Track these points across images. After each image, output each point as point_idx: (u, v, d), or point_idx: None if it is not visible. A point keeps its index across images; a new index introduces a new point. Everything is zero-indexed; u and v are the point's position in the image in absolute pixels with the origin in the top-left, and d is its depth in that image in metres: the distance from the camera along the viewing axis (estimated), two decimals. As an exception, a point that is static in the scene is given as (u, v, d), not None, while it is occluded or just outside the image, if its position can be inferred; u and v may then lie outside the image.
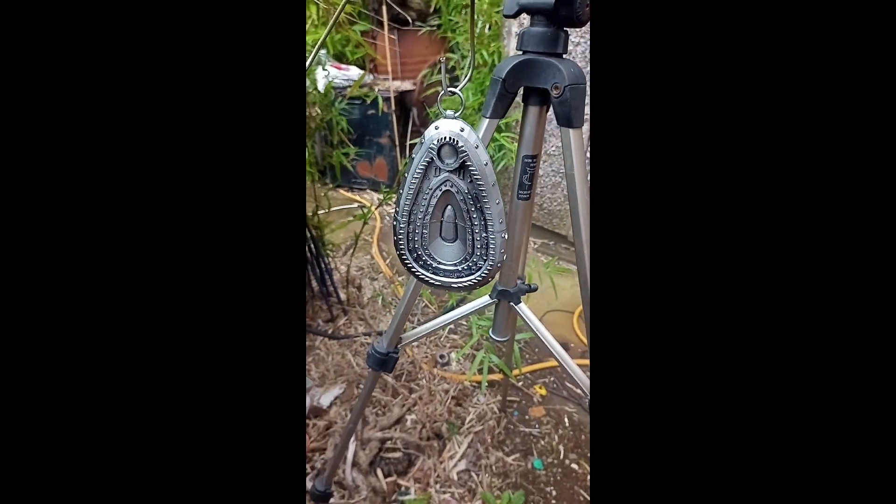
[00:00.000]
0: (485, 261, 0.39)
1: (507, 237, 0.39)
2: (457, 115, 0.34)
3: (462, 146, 0.35)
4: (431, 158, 0.36)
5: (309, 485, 0.85)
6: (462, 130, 0.34)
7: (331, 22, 0.46)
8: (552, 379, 1.23)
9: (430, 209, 0.39)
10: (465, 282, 0.41)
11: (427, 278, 0.41)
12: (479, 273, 0.40)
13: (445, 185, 0.37)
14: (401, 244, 0.40)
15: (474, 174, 0.36)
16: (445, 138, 0.34)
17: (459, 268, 0.40)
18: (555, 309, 1.45)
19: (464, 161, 0.35)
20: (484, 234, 0.38)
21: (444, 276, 0.41)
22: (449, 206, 0.39)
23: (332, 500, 0.87)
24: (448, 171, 0.36)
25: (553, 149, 1.65)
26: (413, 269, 0.41)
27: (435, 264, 0.41)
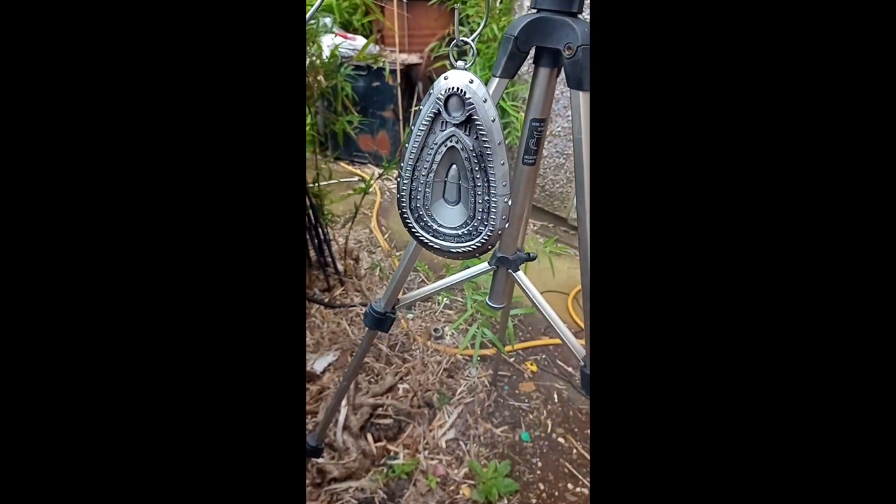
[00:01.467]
0: (485, 226, 0.38)
1: (510, 203, 0.38)
2: (468, 66, 0.34)
3: (469, 98, 0.34)
4: (438, 110, 0.35)
5: (301, 444, 0.87)
6: (471, 82, 0.34)
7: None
8: (543, 356, 1.25)
9: (435, 166, 0.38)
10: (465, 247, 0.40)
11: (427, 241, 0.41)
12: (478, 238, 0.39)
13: (451, 141, 0.37)
14: (403, 202, 0.40)
15: (480, 130, 0.35)
16: (453, 88, 0.34)
17: (460, 232, 0.40)
18: (550, 290, 1.46)
19: (470, 114, 0.35)
20: (486, 198, 0.37)
21: (444, 240, 0.40)
22: (454, 166, 0.39)
23: (322, 460, 0.89)
24: (454, 124, 0.36)
25: (558, 129, 1.64)
26: (414, 230, 0.41)
27: (436, 227, 0.40)
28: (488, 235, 0.38)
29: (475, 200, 0.38)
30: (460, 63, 0.34)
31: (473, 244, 0.39)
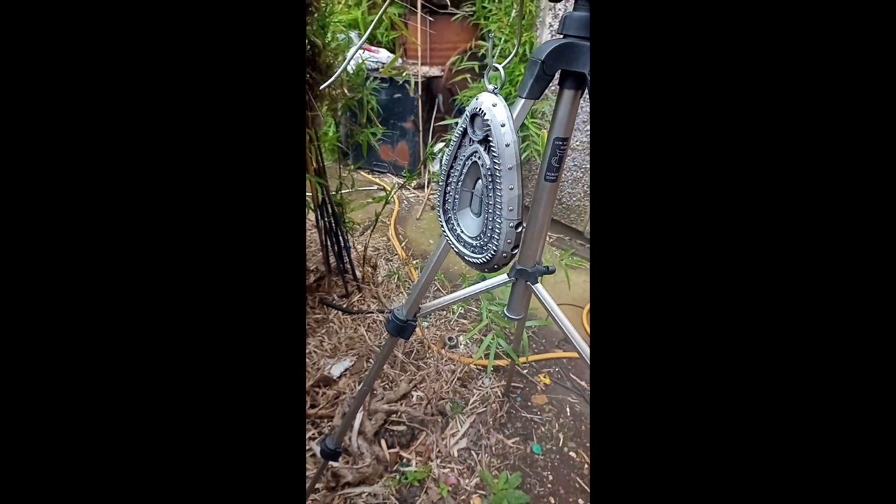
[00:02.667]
0: (491, 244, 0.38)
1: (517, 229, 0.37)
2: (496, 89, 0.36)
3: (488, 120, 0.35)
4: (466, 127, 0.38)
5: (317, 449, 0.89)
6: (494, 105, 0.35)
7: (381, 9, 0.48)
8: (557, 370, 1.25)
9: (462, 177, 0.40)
10: (475, 258, 0.41)
11: (451, 243, 0.43)
12: (485, 254, 0.39)
13: (475, 157, 0.39)
14: (438, 204, 0.42)
15: (493, 152, 0.36)
16: (478, 109, 0.36)
17: (475, 243, 0.41)
18: (565, 303, 1.47)
19: (487, 135, 0.36)
20: (494, 217, 0.38)
21: (463, 246, 0.42)
22: (480, 179, 0.41)
23: (337, 464, 0.91)
24: (477, 141, 0.37)
25: (576, 143, 1.65)
26: (444, 230, 0.43)
27: (459, 231, 0.42)
28: (492, 254, 0.39)
29: (487, 217, 0.38)
30: (490, 86, 0.36)
31: (481, 258, 0.40)
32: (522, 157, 1.77)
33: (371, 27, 0.41)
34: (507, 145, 0.35)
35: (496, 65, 0.36)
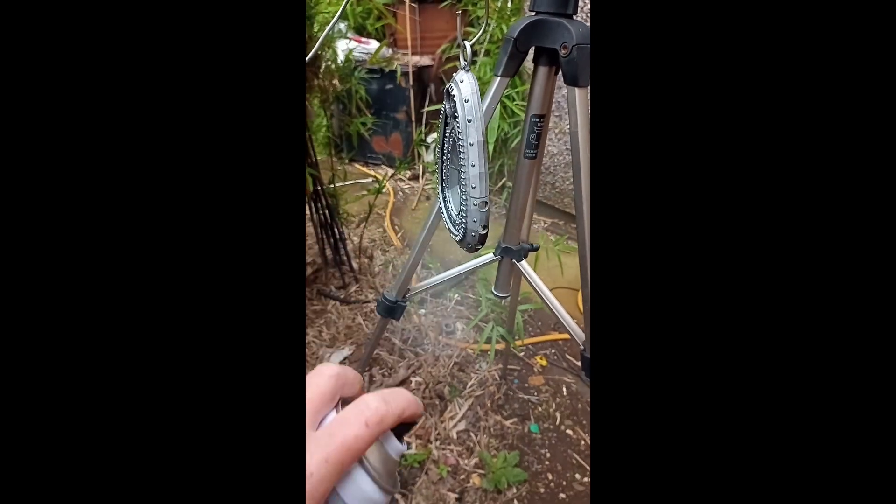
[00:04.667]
0: (464, 223, 0.37)
1: (482, 208, 0.35)
2: (466, 68, 0.36)
3: (454, 95, 0.34)
4: (445, 104, 0.38)
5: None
6: (461, 82, 0.34)
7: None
8: (553, 351, 1.27)
9: (448, 153, 0.41)
10: (455, 235, 0.40)
11: (444, 218, 0.43)
12: (462, 233, 0.39)
13: (453, 133, 0.39)
14: (437, 176, 0.43)
15: (457, 127, 0.35)
16: (450, 84, 0.36)
17: (456, 220, 0.41)
18: (560, 286, 1.48)
19: (454, 111, 0.35)
20: (464, 196, 0.36)
21: (450, 223, 0.43)
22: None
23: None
24: (451, 117, 0.38)
25: (568, 126, 1.66)
26: (440, 207, 0.44)
27: (448, 207, 0.43)
28: (462, 234, 0.38)
29: (461, 194, 0.37)
30: (463, 64, 0.36)
31: (458, 236, 0.40)
32: (516, 143, 1.77)
33: (342, 7, 0.41)
34: (469, 121, 0.33)
35: (464, 42, 0.37)
